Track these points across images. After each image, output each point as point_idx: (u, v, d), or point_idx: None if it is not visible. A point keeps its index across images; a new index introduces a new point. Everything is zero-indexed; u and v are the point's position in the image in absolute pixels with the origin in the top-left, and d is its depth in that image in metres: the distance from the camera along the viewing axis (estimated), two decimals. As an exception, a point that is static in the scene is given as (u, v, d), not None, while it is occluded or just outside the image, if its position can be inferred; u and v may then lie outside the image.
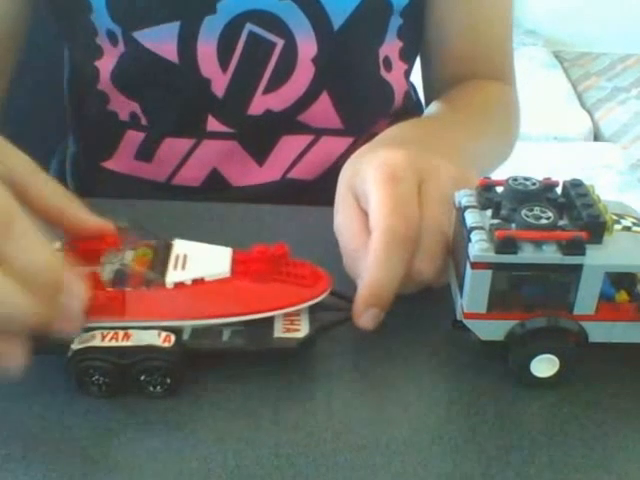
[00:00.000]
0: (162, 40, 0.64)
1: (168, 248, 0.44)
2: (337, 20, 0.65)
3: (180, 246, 0.45)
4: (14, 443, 0.40)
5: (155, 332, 0.42)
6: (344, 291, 0.46)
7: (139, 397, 0.42)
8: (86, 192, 0.71)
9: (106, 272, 0.42)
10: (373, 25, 0.68)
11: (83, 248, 0.42)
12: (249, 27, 0.64)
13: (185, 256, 0.44)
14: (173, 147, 0.69)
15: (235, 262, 0.44)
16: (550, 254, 0.40)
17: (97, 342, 0.41)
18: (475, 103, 0.71)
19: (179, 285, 0.42)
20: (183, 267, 0.43)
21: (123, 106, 0.69)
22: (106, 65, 0.67)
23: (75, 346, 0.41)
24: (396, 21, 0.69)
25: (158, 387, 0.42)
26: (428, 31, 0.73)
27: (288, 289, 0.44)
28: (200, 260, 0.44)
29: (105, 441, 0.40)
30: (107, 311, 0.41)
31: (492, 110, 0.72)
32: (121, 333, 0.42)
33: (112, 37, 0.65)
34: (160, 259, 0.44)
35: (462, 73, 0.74)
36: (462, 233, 0.43)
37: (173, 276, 0.42)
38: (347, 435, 0.40)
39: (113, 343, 0.41)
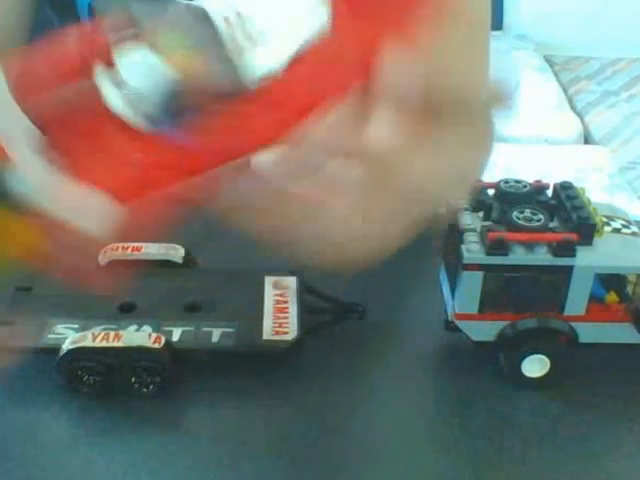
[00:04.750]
0: None
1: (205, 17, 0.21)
2: None
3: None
4: (11, 443, 0.40)
5: (145, 333, 0.42)
6: (328, 292, 0.46)
7: (133, 397, 0.42)
8: None
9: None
10: None
11: None
12: None
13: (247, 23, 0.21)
14: None
15: None
16: (541, 255, 0.41)
17: (88, 342, 0.41)
18: None
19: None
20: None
21: None
22: None
23: (66, 346, 0.41)
24: None
25: (150, 387, 0.42)
26: None
27: None
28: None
29: (101, 441, 0.40)
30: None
31: None
32: (112, 334, 0.42)
33: None
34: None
35: None
36: (454, 235, 0.43)
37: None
38: (338, 435, 0.41)
39: (104, 344, 0.41)
